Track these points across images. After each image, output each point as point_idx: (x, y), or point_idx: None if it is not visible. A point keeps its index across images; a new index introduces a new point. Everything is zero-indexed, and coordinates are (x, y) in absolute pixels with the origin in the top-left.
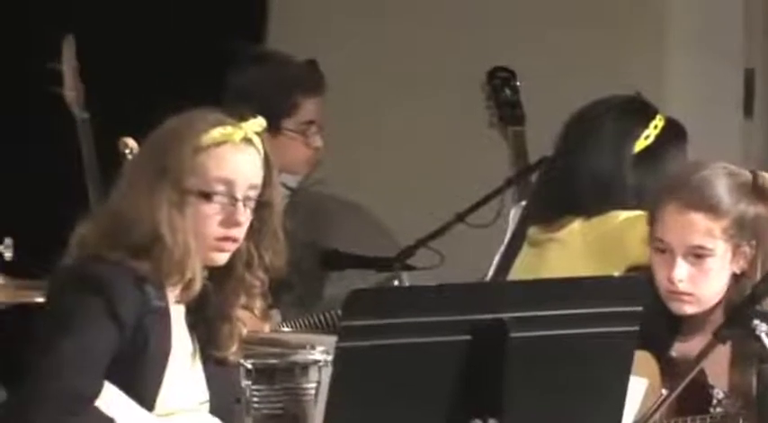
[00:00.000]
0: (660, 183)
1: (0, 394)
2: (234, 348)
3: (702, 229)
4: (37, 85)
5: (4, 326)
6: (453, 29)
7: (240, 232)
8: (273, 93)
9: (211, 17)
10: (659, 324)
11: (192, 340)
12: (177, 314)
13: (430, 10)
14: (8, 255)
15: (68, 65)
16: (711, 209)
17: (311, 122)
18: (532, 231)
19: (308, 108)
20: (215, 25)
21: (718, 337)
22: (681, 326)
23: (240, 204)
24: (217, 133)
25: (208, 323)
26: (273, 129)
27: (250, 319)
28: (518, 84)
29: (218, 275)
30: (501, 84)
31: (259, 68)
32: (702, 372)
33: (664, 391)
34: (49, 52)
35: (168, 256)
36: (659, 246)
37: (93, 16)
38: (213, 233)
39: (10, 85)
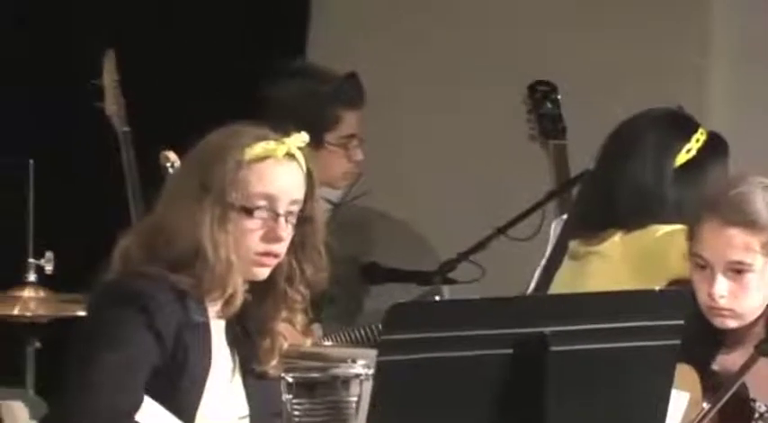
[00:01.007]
0: (700, 197)
1: (40, 408)
2: (274, 362)
3: (741, 244)
4: (79, 100)
5: (45, 339)
6: (495, 43)
7: (281, 247)
8: (314, 107)
9: (251, 31)
10: (701, 337)
11: (233, 355)
12: (218, 329)
13: (472, 24)
14: (49, 268)
15: (109, 79)
16: (750, 224)
17: (352, 136)
18: (573, 245)
19: (349, 121)
20: (255, 39)
21: (760, 351)
22: (722, 339)
23: (282, 219)
24: (260, 148)
25: (248, 337)
26: (315, 143)
27: (291, 333)
28: (559, 97)
29: (259, 290)
30: (542, 97)
31: (299, 82)
32: (744, 385)
33: (705, 405)
34: (90, 67)
35: (210, 270)
36: (699, 261)
37: (135, 31)
38: (254, 248)
39: (52, 100)
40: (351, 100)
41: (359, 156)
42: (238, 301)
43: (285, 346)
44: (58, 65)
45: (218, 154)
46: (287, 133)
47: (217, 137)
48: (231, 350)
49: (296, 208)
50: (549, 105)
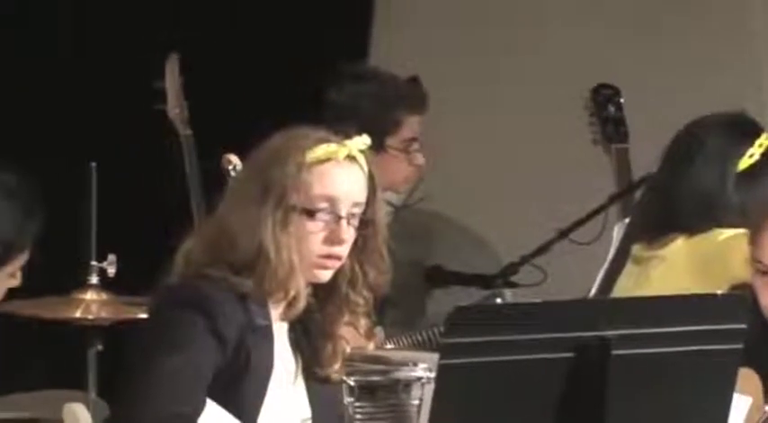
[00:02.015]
0: (762, 202)
1: (102, 410)
2: (337, 366)
3: None
4: (142, 103)
5: (107, 342)
6: (559, 45)
7: (344, 250)
8: (376, 110)
9: (314, 34)
10: (763, 341)
11: (295, 358)
12: (280, 332)
13: (534, 26)
14: (112, 271)
15: (172, 82)
16: None
17: (413, 140)
18: (636, 249)
19: (411, 125)
20: (318, 42)
21: None
22: None
23: (344, 222)
24: (321, 151)
25: (311, 341)
26: (376, 147)
27: (354, 336)
28: (622, 101)
29: (321, 293)
30: (605, 101)
31: (361, 86)
32: None
33: (767, 409)
34: (153, 70)
35: (272, 273)
36: (759, 267)
37: (198, 34)
38: (317, 251)
39: (115, 103)
40: (412, 104)
41: (420, 160)
42: (301, 303)
43: (348, 349)
44: (121, 68)
45: (279, 156)
46: (348, 136)
47: (278, 140)
48: (294, 353)
49: (358, 210)
50: (611, 109)
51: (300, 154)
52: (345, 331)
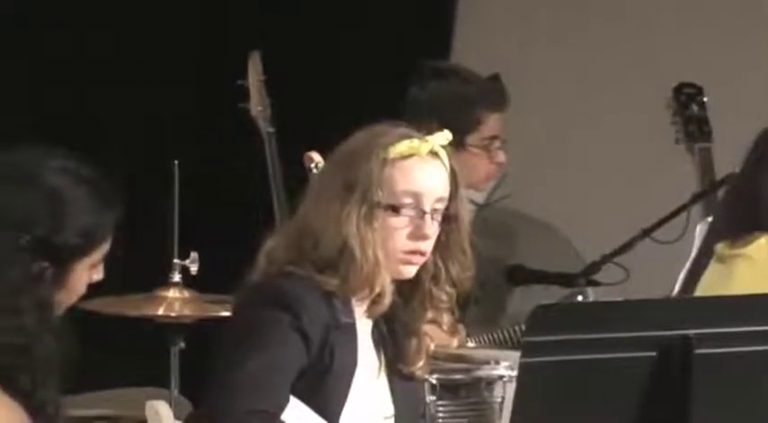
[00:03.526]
0: None
1: (184, 407)
2: (421, 363)
3: None
4: (224, 101)
5: (189, 339)
6: (640, 45)
7: (428, 245)
8: (456, 108)
9: (396, 32)
10: None
11: (378, 355)
12: (364, 329)
13: (616, 25)
14: (194, 269)
15: (254, 80)
16: None
17: (494, 138)
18: (719, 247)
19: (491, 123)
20: (400, 40)
21: None
22: None
23: (428, 217)
24: (404, 146)
25: (395, 338)
26: (457, 144)
27: (437, 333)
28: (705, 100)
29: (405, 290)
30: (688, 100)
31: (442, 84)
32: None
33: None
34: (235, 68)
35: (357, 270)
36: None
37: (280, 31)
38: (401, 246)
39: (198, 101)
40: (493, 102)
41: (501, 157)
42: (387, 300)
43: (431, 347)
44: (204, 65)
45: (362, 153)
46: (429, 131)
47: (360, 136)
48: (377, 350)
49: (441, 206)
50: (694, 108)
51: (383, 150)
52: (428, 328)
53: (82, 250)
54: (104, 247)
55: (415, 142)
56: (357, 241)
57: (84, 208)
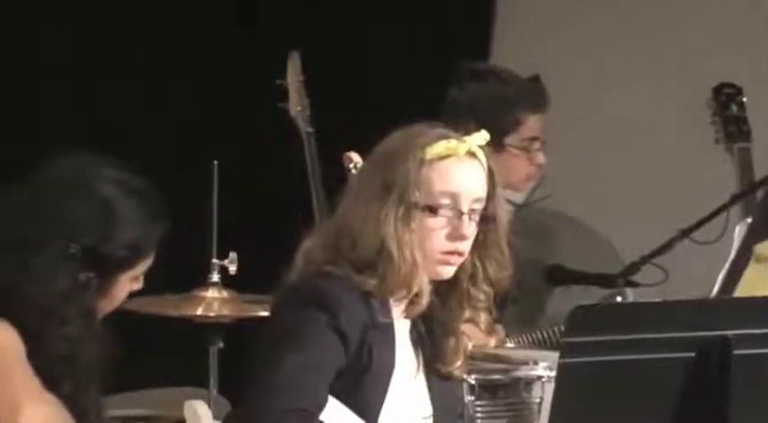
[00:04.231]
0: None
1: (223, 407)
2: (459, 363)
3: None
4: (263, 101)
5: (228, 339)
6: (679, 44)
7: (466, 246)
8: (496, 109)
9: (436, 33)
10: None
11: (417, 355)
12: (402, 328)
13: (656, 25)
14: (233, 269)
15: (294, 80)
16: None
17: (534, 139)
18: (758, 248)
19: (531, 125)
20: (439, 41)
21: None
22: None
23: (465, 217)
24: (441, 147)
25: (433, 337)
26: (496, 145)
27: (474, 332)
28: (744, 100)
29: (443, 289)
30: (727, 100)
31: (481, 85)
32: None
33: None
34: (275, 68)
35: (394, 270)
36: None
37: (320, 31)
38: (439, 247)
39: (237, 101)
40: (533, 103)
41: (540, 159)
42: (425, 300)
43: (469, 346)
44: (243, 66)
45: (399, 153)
46: (467, 132)
47: (398, 137)
48: (415, 350)
49: (479, 206)
50: (734, 108)
51: (421, 150)
52: (466, 328)
53: (127, 263)
54: (148, 261)
55: (453, 142)
56: (395, 242)
57: (132, 221)
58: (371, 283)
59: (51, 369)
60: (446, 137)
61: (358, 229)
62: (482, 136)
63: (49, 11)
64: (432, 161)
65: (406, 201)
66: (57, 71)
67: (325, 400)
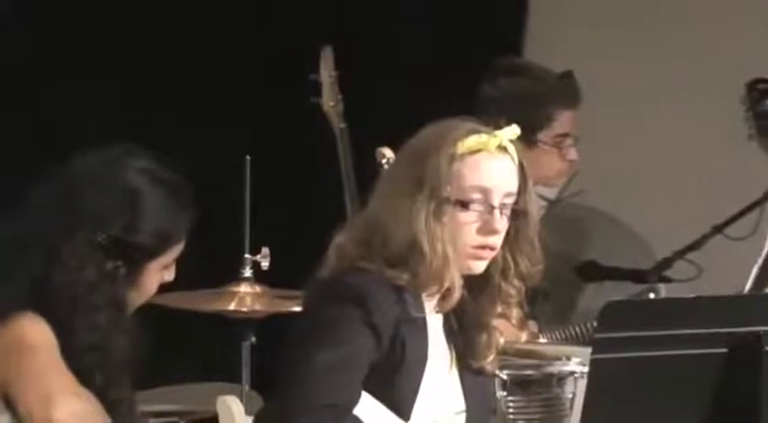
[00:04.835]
0: None
1: (256, 402)
2: (491, 358)
3: None
4: (296, 96)
5: (260, 334)
6: (713, 40)
7: (497, 240)
8: (527, 105)
9: (469, 29)
10: None
11: (449, 350)
12: (434, 323)
13: (689, 22)
14: (265, 264)
15: (327, 75)
16: None
17: (566, 135)
18: None
19: (563, 121)
20: (473, 37)
21: None
22: None
23: (497, 212)
24: (472, 141)
25: (465, 332)
26: (528, 141)
27: (506, 327)
28: None
29: (474, 284)
30: (761, 95)
31: (513, 80)
32: None
33: None
34: (308, 63)
35: (426, 265)
36: None
37: (352, 27)
38: (471, 241)
39: (270, 96)
40: (565, 99)
41: (573, 155)
42: (456, 294)
43: (501, 341)
44: (276, 61)
45: (430, 148)
46: (498, 126)
47: (429, 132)
48: (448, 345)
49: (510, 200)
50: (767, 103)
51: (452, 145)
52: (497, 322)
53: (155, 251)
54: (177, 250)
55: (484, 137)
56: (426, 237)
57: (159, 210)
58: (404, 277)
59: (82, 360)
60: (477, 131)
61: (389, 224)
62: (513, 130)
63: (93, 10)
64: (463, 156)
65: (438, 195)
66: (94, 69)
67: (359, 396)
